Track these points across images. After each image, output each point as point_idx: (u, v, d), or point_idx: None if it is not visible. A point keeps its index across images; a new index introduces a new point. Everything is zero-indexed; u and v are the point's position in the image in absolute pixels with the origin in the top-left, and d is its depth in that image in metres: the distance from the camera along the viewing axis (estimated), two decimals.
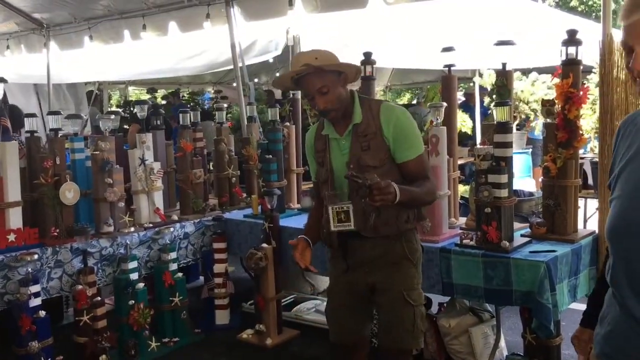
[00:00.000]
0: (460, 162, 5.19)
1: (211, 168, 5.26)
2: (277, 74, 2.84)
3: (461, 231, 3.71)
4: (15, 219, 3.74)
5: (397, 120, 2.40)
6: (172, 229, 4.41)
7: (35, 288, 3.59)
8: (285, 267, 4.43)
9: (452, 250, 3.50)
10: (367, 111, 2.43)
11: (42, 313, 3.61)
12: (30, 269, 3.62)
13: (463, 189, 5.10)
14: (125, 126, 8.33)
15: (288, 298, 4.93)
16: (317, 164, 2.57)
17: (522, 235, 3.59)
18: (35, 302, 3.60)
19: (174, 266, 4.31)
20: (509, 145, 3.38)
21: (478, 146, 3.65)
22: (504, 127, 3.38)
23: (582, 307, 4.32)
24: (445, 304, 3.93)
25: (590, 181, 4.95)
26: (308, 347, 4.21)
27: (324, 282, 5.05)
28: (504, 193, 3.36)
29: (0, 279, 3.58)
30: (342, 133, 2.46)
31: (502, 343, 3.69)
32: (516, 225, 3.64)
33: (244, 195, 5.11)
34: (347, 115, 2.44)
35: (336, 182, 2.46)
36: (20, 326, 3.50)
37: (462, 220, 4.08)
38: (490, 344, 3.60)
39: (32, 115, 4.03)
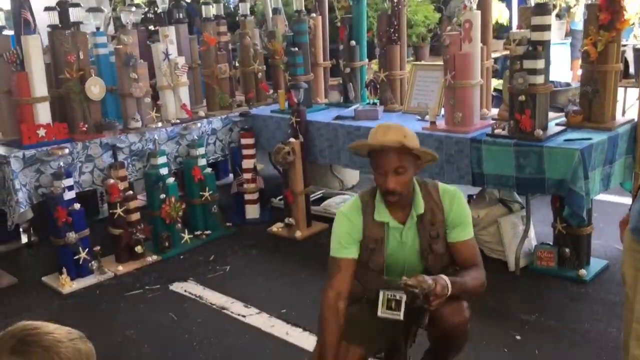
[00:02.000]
0: (494, 55, 4.99)
1: (236, 64, 5.16)
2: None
3: (493, 122, 3.61)
4: (44, 114, 3.77)
5: (458, 204, 2.28)
6: (199, 125, 4.40)
7: (68, 181, 3.66)
8: (313, 162, 4.43)
9: (483, 141, 3.43)
10: (427, 198, 2.26)
11: (77, 206, 3.70)
12: (62, 163, 3.68)
13: (496, 83, 4.93)
14: (151, 27, 8.16)
15: (317, 193, 4.97)
16: (363, 249, 2.27)
17: (556, 125, 3.48)
18: (70, 195, 3.68)
19: (202, 161, 4.33)
20: (546, 28, 3.20)
21: (513, 30, 3.46)
22: (542, 8, 3.18)
23: (615, 199, 4.26)
24: (474, 196, 3.89)
25: (631, 70, 4.73)
26: None
27: (352, 177, 5.06)
28: (540, 79, 3.23)
29: (34, 172, 3.65)
30: (403, 222, 2.25)
31: (532, 233, 3.68)
32: (551, 115, 3.52)
33: (271, 90, 5.04)
34: (406, 203, 2.24)
35: (390, 272, 2.28)
36: (57, 218, 3.61)
37: (495, 111, 3.97)
38: (519, 234, 3.59)
39: (52, 8, 3.94)
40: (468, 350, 2.75)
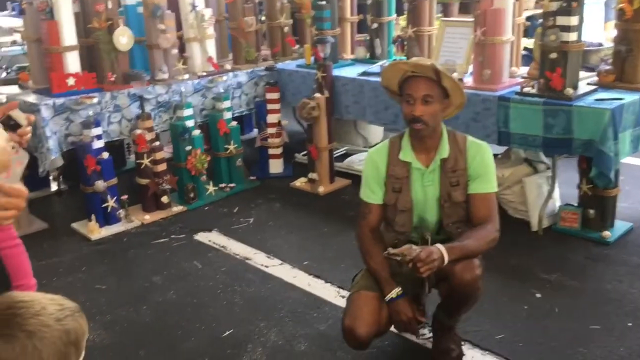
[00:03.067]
0: (526, 13, 4.87)
1: (263, 18, 5.12)
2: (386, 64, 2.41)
3: (522, 80, 3.56)
4: (73, 63, 3.80)
5: (482, 157, 2.31)
6: (225, 78, 4.41)
7: (97, 130, 3.72)
8: (338, 118, 4.42)
9: (511, 99, 3.39)
10: (453, 145, 2.30)
11: (106, 155, 3.77)
12: (90, 112, 3.73)
13: (527, 42, 4.84)
14: None
15: (340, 150, 4.97)
16: (388, 189, 2.35)
17: (587, 84, 3.42)
18: (98, 144, 3.74)
19: (228, 115, 4.35)
20: None
21: None
22: None
23: None
24: (499, 155, 3.87)
25: None
26: (358, 196, 4.28)
27: (376, 135, 5.04)
28: (573, 37, 3.16)
29: (63, 121, 3.71)
30: (427, 164, 2.31)
31: (556, 194, 3.66)
32: (582, 74, 3.45)
33: (297, 45, 5.01)
34: (432, 146, 2.30)
35: (417, 215, 2.35)
36: (86, 166, 3.68)
37: (524, 70, 3.90)
38: (544, 194, 3.57)
39: None
40: (488, 306, 2.79)
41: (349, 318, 2.26)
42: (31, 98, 3.78)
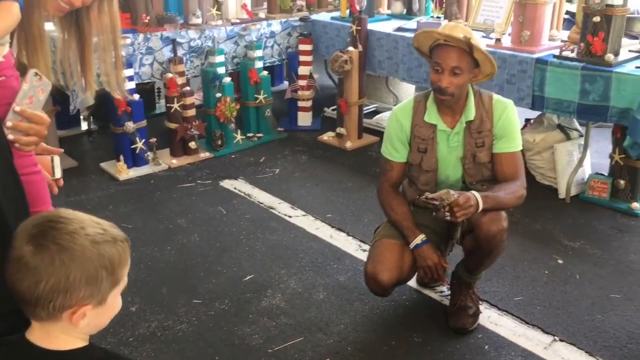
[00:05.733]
0: None
1: None
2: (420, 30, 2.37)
3: (562, 43, 3.47)
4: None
5: (507, 115, 2.28)
6: (258, 26, 4.37)
7: (128, 72, 3.72)
8: (371, 73, 4.37)
9: (549, 62, 3.30)
10: (479, 106, 2.28)
11: (136, 96, 3.79)
12: (123, 53, 3.73)
13: (570, 6, 4.69)
14: None
15: (370, 106, 4.93)
16: (412, 149, 2.34)
17: (630, 51, 3.32)
18: (130, 85, 3.75)
19: (259, 64, 4.33)
20: None
21: None
22: None
23: None
24: (532, 120, 3.81)
25: None
26: None
27: (407, 93, 4.98)
28: (618, 1, 3.05)
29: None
30: (452, 126, 2.29)
31: (587, 163, 3.60)
32: (625, 41, 3.34)
33: None
34: (458, 108, 2.27)
35: (441, 174, 2.34)
36: (117, 107, 3.71)
37: (565, 34, 3.79)
38: (574, 162, 3.51)
39: None
40: (509, 269, 2.79)
41: (372, 264, 2.30)
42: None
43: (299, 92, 4.57)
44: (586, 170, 3.59)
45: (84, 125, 4.61)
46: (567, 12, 4.38)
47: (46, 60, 1.63)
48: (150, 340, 2.37)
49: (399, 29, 4.15)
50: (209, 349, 2.33)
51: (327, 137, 4.45)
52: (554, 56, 3.32)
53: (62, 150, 1.47)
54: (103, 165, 3.96)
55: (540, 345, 2.33)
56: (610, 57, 3.09)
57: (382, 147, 2.44)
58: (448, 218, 2.10)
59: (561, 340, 2.35)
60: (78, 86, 1.68)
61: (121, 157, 3.80)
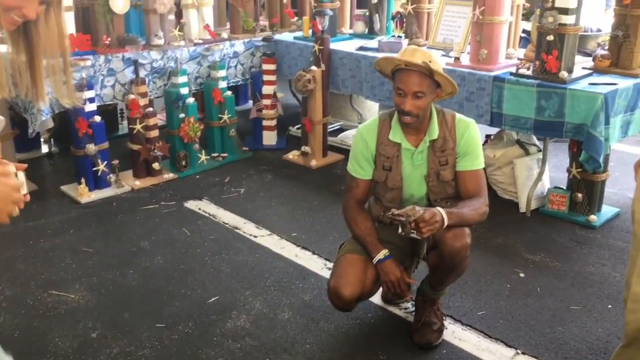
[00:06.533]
0: None
1: None
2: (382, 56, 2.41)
3: (519, 61, 3.56)
4: (67, 24, 3.74)
5: (470, 134, 2.34)
6: (221, 47, 4.38)
7: (89, 93, 3.69)
8: (335, 92, 4.41)
9: (506, 80, 3.39)
10: (442, 125, 2.34)
11: (98, 118, 3.75)
12: (84, 75, 3.70)
13: (526, 24, 4.81)
14: None
15: (334, 125, 4.97)
16: (378, 166, 2.38)
17: (583, 68, 3.42)
18: (91, 107, 3.72)
19: (223, 84, 4.33)
20: None
21: None
22: None
23: (633, 150, 4.23)
24: (492, 136, 3.88)
25: None
26: None
27: (371, 111, 5.03)
28: (570, 20, 3.16)
29: None
30: (416, 145, 2.34)
31: (546, 177, 3.68)
32: (578, 58, 3.45)
33: (295, 17, 4.97)
34: (422, 127, 2.33)
35: (405, 191, 2.39)
36: (78, 129, 3.67)
37: (521, 52, 3.89)
38: (533, 176, 3.59)
39: None
40: (472, 284, 2.83)
41: (334, 279, 2.31)
42: None
43: (264, 112, 4.58)
44: (545, 184, 3.67)
45: (45, 148, 4.53)
46: (524, 31, 4.50)
47: (0, 77, 1.61)
48: None
49: (361, 48, 4.20)
50: None
51: (293, 155, 4.46)
52: (511, 74, 3.40)
53: (26, 165, 1.43)
54: (64, 188, 3.89)
55: (503, 359, 2.36)
56: (564, 74, 3.18)
57: (348, 165, 2.47)
58: (414, 235, 2.12)
59: (523, 354, 2.39)
60: (30, 96, 1.65)
61: (82, 180, 3.74)
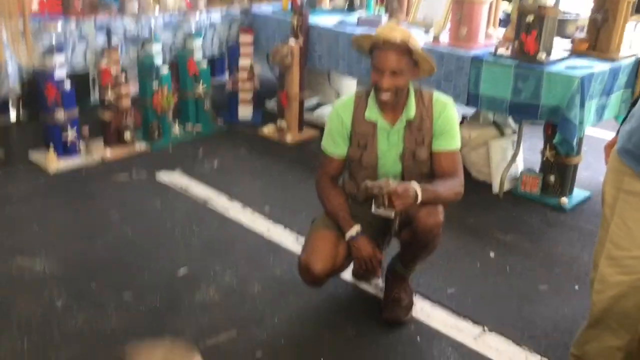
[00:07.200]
0: None
1: None
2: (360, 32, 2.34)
3: (498, 41, 3.54)
4: None
5: (447, 114, 2.30)
6: (198, 16, 4.28)
7: (59, 58, 3.58)
8: (312, 67, 4.36)
9: (484, 59, 3.37)
10: (419, 104, 2.29)
11: (68, 85, 3.65)
12: (54, 40, 3.58)
13: (507, 6, 4.80)
14: None
15: (311, 100, 4.92)
16: (353, 144, 2.34)
17: (564, 50, 3.42)
18: (61, 72, 3.61)
19: (198, 55, 4.25)
20: None
21: None
22: None
23: (607, 134, 4.26)
24: (468, 117, 3.88)
25: None
26: None
27: (349, 89, 4.99)
28: (550, 1, 3.14)
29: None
30: (393, 123, 2.29)
31: (520, 159, 3.69)
32: (558, 41, 3.45)
33: None
34: (399, 105, 2.28)
35: (380, 170, 2.34)
36: (47, 95, 3.56)
37: (501, 32, 3.87)
38: (508, 158, 3.60)
39: None
40: (442, 262, 2.83)
41: (306, 254, 2.30)
42: None
43: (240, 85, 4.51)
44: (519, 166, 3.69)
45: (13, 115, 4.40)
46: (505, 13, 4.48)
47: None
48: (78, 339, 2.28)
49: (340, 23, 4.15)
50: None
51: (268, 130, 4.41)
52: (490, 53, 3.39)
53: None
54: (32, 155, 3.79)
55: (470, 336, 2.38)
56: (542, 55, 3.18)
57: (322, 141, 2.42)
58: (386, 214, 2.09)
59: (490, 331, 2.40)
60: None
61: (51, 147, 3.65)
